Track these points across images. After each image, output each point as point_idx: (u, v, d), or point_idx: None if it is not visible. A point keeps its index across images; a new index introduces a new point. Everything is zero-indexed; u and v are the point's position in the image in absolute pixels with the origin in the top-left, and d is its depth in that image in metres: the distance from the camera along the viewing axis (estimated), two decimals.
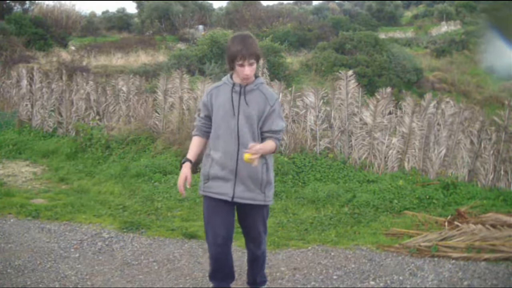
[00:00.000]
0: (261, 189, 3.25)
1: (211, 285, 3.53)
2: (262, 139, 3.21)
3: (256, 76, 3.25)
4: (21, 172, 7.44)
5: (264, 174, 3.24)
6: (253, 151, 3.00)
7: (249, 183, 3.21)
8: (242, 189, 3.22)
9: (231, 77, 3.27)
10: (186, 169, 3.26)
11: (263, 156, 3.19)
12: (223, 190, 3.23)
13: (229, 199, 3.23)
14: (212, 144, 3.27)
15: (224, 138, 3.19)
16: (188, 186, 3.27)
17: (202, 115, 3.33)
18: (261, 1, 44.73)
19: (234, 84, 3.21)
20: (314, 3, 50.87)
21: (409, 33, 35.11)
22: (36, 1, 27.74)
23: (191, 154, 3.32)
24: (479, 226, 4.89)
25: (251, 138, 3.18)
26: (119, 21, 37.14)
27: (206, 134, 3.34)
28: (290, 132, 7.46)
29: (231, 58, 3.12)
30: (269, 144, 3.17)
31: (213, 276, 3.45)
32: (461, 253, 4.43)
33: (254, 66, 3.15)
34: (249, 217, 3.39)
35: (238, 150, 3.17)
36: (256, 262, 3.59)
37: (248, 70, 3.11)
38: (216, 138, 3.24)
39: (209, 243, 3.34)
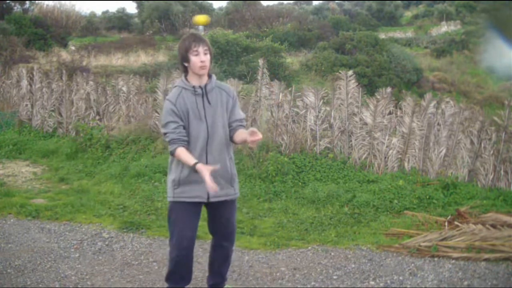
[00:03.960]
0: (231, 183, 3.31)
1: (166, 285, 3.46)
2: (230, 131, 3.27)
3: (210, 76, 3.27)
4: (21, 172, 7.44)
5: (233, 168, 3.33)
6: (255, 140, 3.04)
7: (220, 180, 3.21)
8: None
9: (186, 79, 3.23)
10: (203, 165, 3.06)
11: (229, 151, 3.29)
12: (197, 193, 3.21)
13: (205, 200, 3.24)
14: None
15: (195, 141, 3.18)
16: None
17: (175, 126, 3.15)
18: (261, 1, 44.73)
19: (194, 87, 3.21)
20: (314, 3, 50.92)
21: (409, 33, 35.14)
22: (36, 1, 27.75)
23: (192, 157, 3.13)
24: (479, 226, 4.89)
25: (223, 135, 3.23)
26: (119, 21, 37.16)
27: (186, 143, 3.17)
28: (290, 132, 7.46)
29: (185, 50, 3.14)
30: (242, 130, 3.23)
31: (169, 277, 3.40)
32: (461, 253, 4.43)
33: (209, 57, 3.17)
34: (225, 214, 3.37)
35: (207, 149, 3.19)
36: (225, 261, 3.52)
37: (203, 57, 3.14)
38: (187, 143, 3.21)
39: (172, 246, 3.30)
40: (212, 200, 3.25)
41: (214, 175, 3.11)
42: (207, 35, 21.01)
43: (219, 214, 3.37)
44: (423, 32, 35.19)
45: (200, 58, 3.13)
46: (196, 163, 3.08)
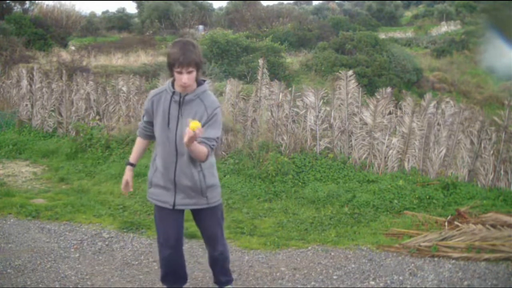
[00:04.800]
0: (202, 194, 3.23)
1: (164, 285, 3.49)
2: None
3: (200, 83, 3.17)
4: (21, 172, 7.44)
5: (202, 182, 3.21)
6: (196, 130, 2.82)
7: (188, 191, 3.21)
8: (182, 197, 3.22)
9: (172, 83, 3.18)
10: (127, 173, 3.37)
11: (198, 165, 3.16)
12: (164, 198, 3.24)
13: (170, 207, 3.23)
14: (156, 150, 3.26)
15: (164, 147, 3.17)
16: (130, 190, 3.36)
17: (145, 119, 3.32)
18: (261, 1, 44.78)
19: (174, 93, 3.13)
20: (314, 3, 51.01)
21: (409, 33, 35.17)
22: (36, 1, 27.79)
23: (133, 156, 3.42)
24: (479, 226, 4.89)
25: None
26: (119, 21, 37.23)
27: (147, 137, 3.37)
28: (290, 132, 7.46)
29: (170, 65, 3.04)
30: (201, 146, 3.01)
31: (164, 278, 3.43)
32: (461, 253, 4.43)
33: (194, 74, 3.05)
34: (203, 220, 3.38)
35: (176, 160, 3.15)
36: (215, 264, 3.54)
37: (186, 78, 3.02)
38: (158, 145, 3.23)
39: (160, 245, 3.33)
40: (178, 207, 3.24)
41: (181, 185, 3.19)
42: (207, 35, 21.02)
43: (198, 219, 3.40)
44: (423, 32, 35.22)
45: (182, 79, 3.03)
46: (127, 163, 3.39)
